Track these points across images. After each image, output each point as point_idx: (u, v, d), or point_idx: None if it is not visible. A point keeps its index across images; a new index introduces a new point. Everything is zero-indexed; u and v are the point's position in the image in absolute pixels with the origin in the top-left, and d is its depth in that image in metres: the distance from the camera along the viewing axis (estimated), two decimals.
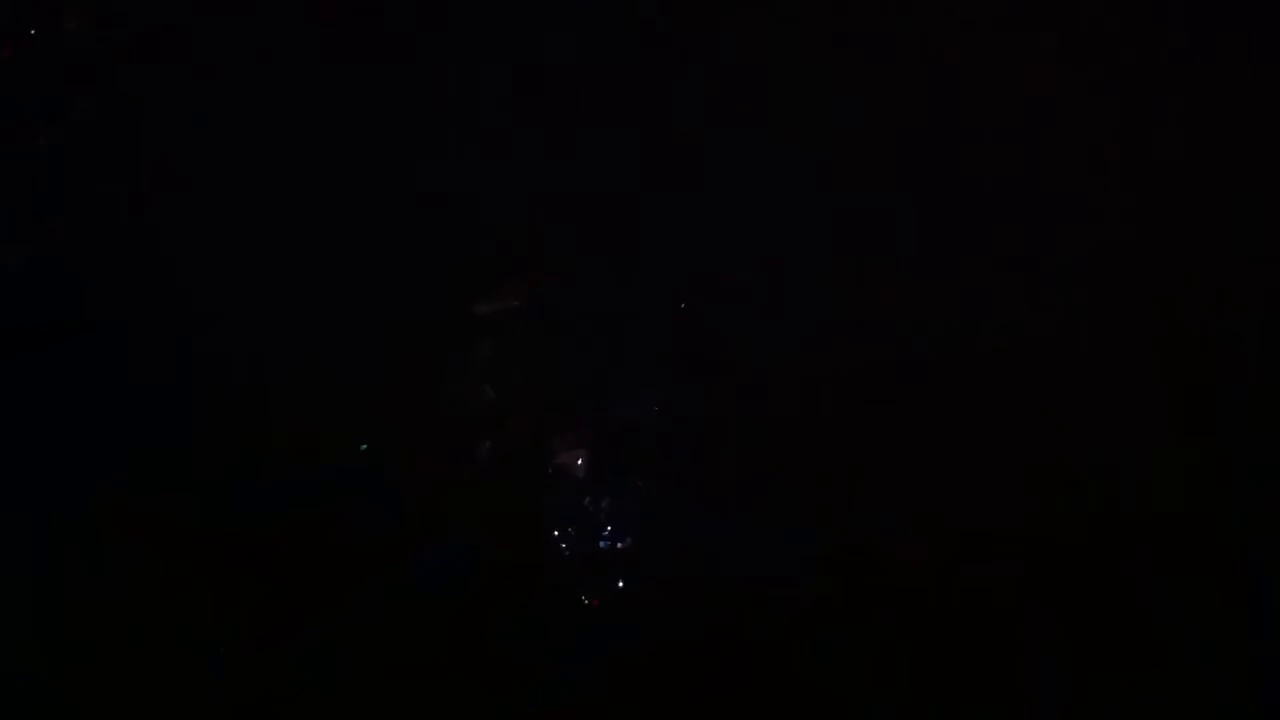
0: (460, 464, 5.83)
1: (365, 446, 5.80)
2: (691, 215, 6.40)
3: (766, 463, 5.71)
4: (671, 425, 5.87)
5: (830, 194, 6.35)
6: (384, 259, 6.34)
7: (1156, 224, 6.19)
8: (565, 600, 5.43)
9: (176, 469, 5.67)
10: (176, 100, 6.74)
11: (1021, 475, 5.55)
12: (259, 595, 5.31)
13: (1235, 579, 5.24)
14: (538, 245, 6.40)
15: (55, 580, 5.34)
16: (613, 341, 6.17)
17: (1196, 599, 5.18)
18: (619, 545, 5.59)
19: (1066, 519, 5.44)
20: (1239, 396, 5.72)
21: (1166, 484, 5.47)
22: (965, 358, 5.87)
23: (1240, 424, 5.65)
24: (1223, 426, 5.65)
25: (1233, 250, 6.08)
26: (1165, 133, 6.36)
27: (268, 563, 5.39)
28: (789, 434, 5.78)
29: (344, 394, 5.92)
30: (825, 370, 5.91)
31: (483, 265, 6.37)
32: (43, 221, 6.43)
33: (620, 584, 5.48)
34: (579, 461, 5.83)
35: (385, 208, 6.48)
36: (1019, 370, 5.83)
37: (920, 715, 5.03)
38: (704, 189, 6.46)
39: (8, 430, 5.76)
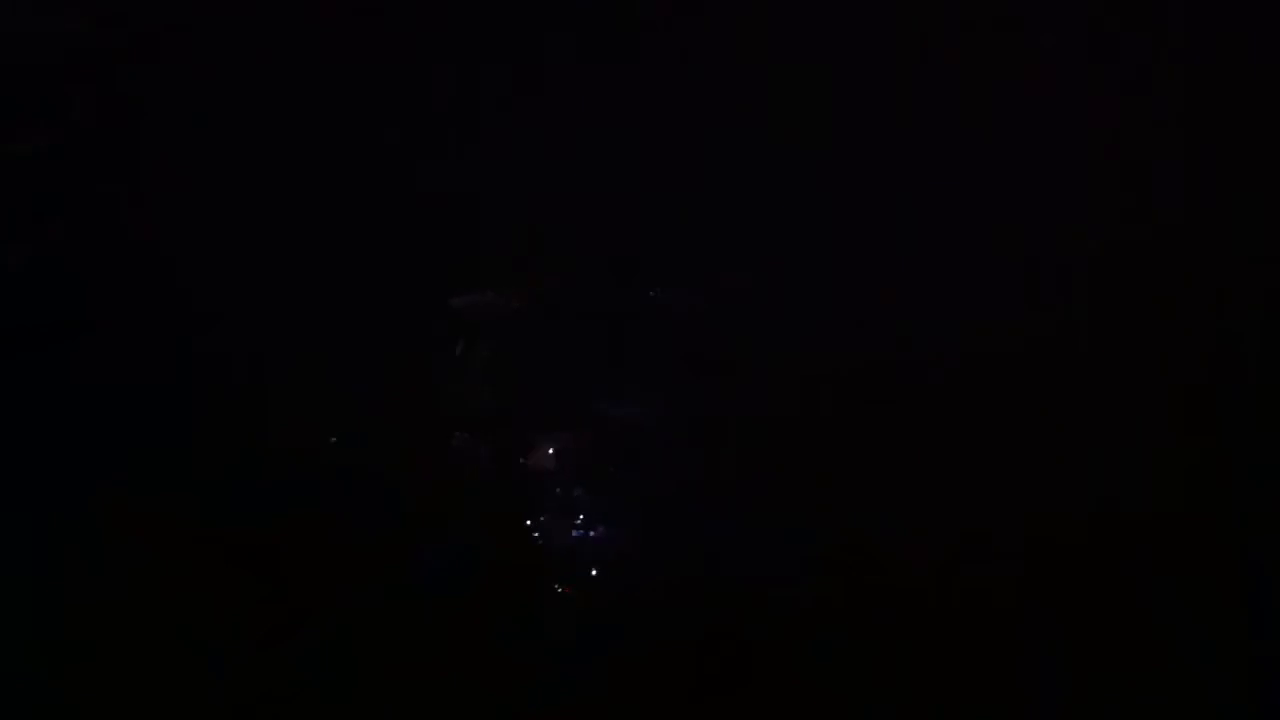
0: (460, 464, 5.84)
1: (335, 439, 5.79)
2: (691, 215, 6.40)
3: (766, 463, 5.71)
4: (671, 425, 5.87)
5: (831, 194, 6.36)
6: (384, 259, 6.35)
7: (1156, 224, 6.19)
8: (565, 600, 5.43)
9: (176, 469, 5.67)
10: (176, 100, 6.75)
11: (1021, 475, 5.55)
12: (259, 595, 5.31)
13: (1235, 579, 5.24)
14: (538, 245, 6.40)
15: (55, 580, 5.33)
16: (613, 341, 6.17)
17: (1196, 599, 5.18)
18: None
19: (1066, 519, 5.44)
20: (1239, 396, 5.72)
21: (1166, 484, 5.47)
22: (965, 358, 5.87)
23: (1240, 424, 5.65)
24: (1223, 426, 5.65)
25: (1233, 250, 6.09)
26: (1165, 133, 6.36)
27: (268, 563, 5.39)
28: (789, 434, 5.78)
29: (344, 394, 5.92)
30: (825, 370, 5.91)
31: (483, 265, 6.37)
32: (43, 221, 6.43)
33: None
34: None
35: (385, 208, 6.48)
36: (1019, 370, 5.83)
37: (920, 715, 5.02)
38: (704, 189, 6.46)
39: (8, 430, 5.75)
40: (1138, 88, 6.44)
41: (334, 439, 5.82)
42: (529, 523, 5.66)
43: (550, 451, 5.85)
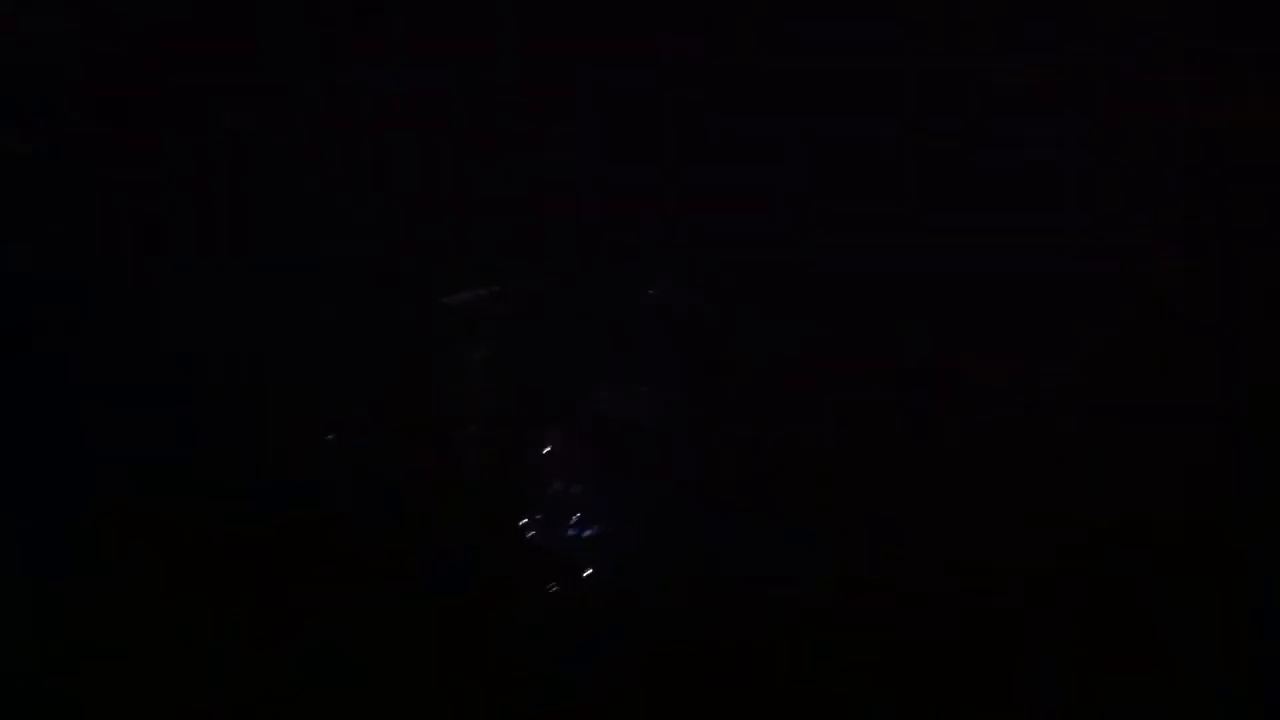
0: (460, 464, 5.84)
1: (335, 439, 5.78)
2: (692, 215, 6.40)
3: (766, 463, 5.71)
4: (671, 425, 5.87)
5: (833, 194, 6.35)
6: (384, 258, 6.34)
7: (1157, 223, 6.19)
8: (565, 600, 5.43)
9: (176, 469, 5.67)
10: (176, 100, 6.74)
11: (1022, 476, 5.55)
12: (259, 595, 5.31)
13: (1235, 579, 5.24)
14: (538, 245, 6.40)
15: (55, 580, 5.34)
16: (613, 342, 6.17)
17: (1196, 599, 5.18)
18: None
19: (1067, 519, 5.45)
20: (1239, 396, 5.72)
21: (1166, 484, 5.47)
22: (966, 358, 5.88)
23: (1240, 424, 5.65)
24: (1223, 426, 5.65)
25: (1233, 250, 6.08)
26: (1165, 132, 6.36)
27: (268, 563, 5.39)
28: (789, 434, 5.78)
29: (344, 393, 5.92)
30: (826, 370, 5.91)
31: (483, 265, 6.37)
32: (43, 221, 6.42)
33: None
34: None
35: (385, 206, 6.48)
36: (1019, 372, 5.83)
37: (920, 715, 5.03)
38: (705, 188, 6.46)
39: (8, 430, 5.75)
40: (1139, 89, 6.44)
41: (334, 439, 5.82)
42: (529, 523, 5.67)
43: (550, 451, 5.85)
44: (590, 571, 5.51)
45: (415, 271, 6.34)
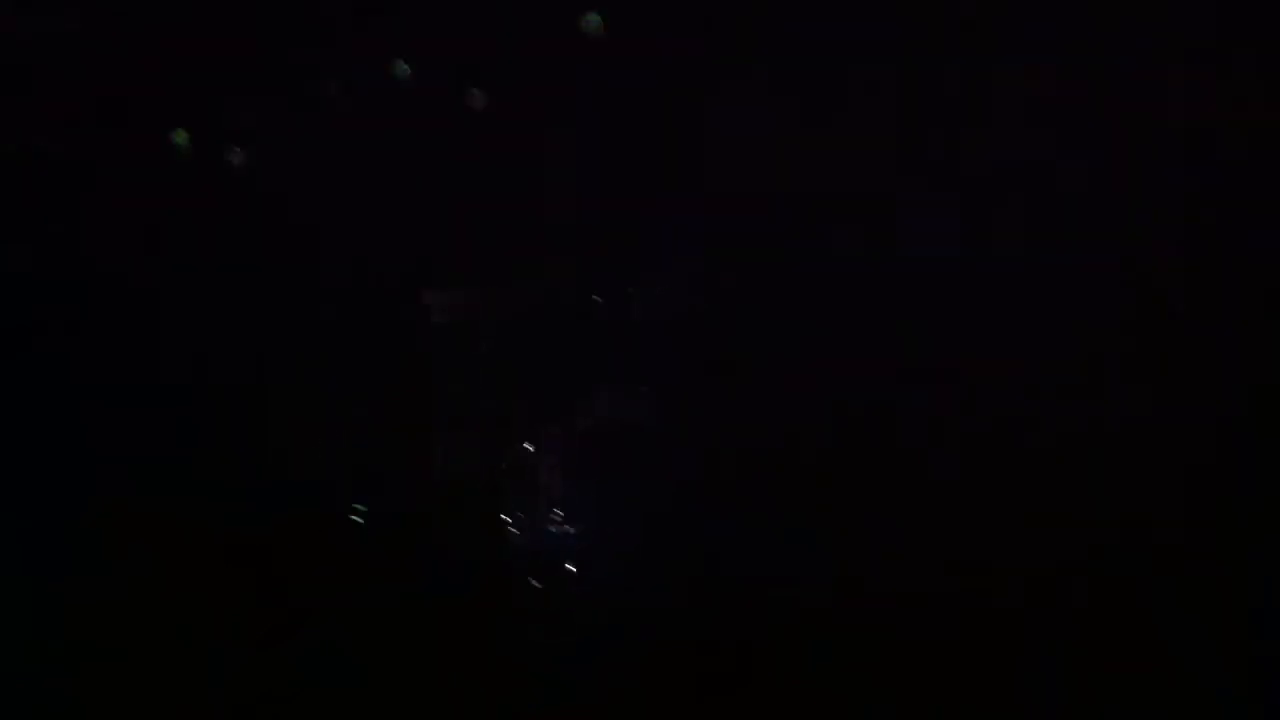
0: (460, 464, 5.84)
1: (335, 439, 5.78)
2: (692, 215, 6.40)
3: (766, 463, 5.71)
4: (671, 425, 5.87)
5: (833, 194, 6.35)
6: (383, 258, 6.34)
7: (1157, 223, 6.19)
8: (565, 601, 5.44)
9: (176, 469, 5.67)
10: (176, 99, 6.74)
11: (1022, 476, 5.55)
12: (259, 595, 5.31)
13: (1235, 579, 5.24)
14: (538, 245, 6.40)
15: (56, 580, 5.34)
16: (613, 342, 6.17)
17: (1196, 599, 5.18)
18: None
19: (1067, 519, 5.45)
20: (1239, 396, 5.72)
21: (1166, 484, 5.47)
22: (966, 359, 5.87)
23: (1240, 424, 5.65)
24: (1223, 426, 5.65)
25: (1233, 250, 6.08)
26: (1165, 132, 6.36)
27: (268, 563, 5.39)
28: (789, 434, 5.78)
29: (344, 393, 5.92)
30: (827, 369, 5.91)
31: (482, 265, 6.37)
32: (43, 221, 6.42)
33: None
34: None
35: (385, 206, 6.48)
36: (1019, 372, 5.83)
37: (920, 715, 5.03)
38: (706, 188, 6.46)
39: (8, 430, 5.75)
40: (1139, 90, 6.44)
41: (334, 439, 5.82)
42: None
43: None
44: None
45: (415, 271, 6.34)
